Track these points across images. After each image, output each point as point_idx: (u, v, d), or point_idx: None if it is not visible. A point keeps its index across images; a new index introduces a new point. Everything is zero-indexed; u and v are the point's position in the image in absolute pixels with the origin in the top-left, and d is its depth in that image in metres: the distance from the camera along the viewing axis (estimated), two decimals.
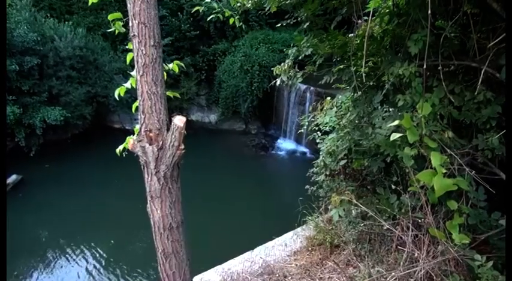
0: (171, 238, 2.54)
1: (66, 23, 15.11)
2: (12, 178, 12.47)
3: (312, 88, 14.16)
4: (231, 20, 3.79)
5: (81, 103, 14.62)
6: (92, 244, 10.46)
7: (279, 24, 4.49)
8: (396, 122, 2.97)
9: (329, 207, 5.96)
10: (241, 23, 3.73)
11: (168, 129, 2.38)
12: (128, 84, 2.76)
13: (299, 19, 4.25)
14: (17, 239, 10.57)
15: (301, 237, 5.86)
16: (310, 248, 5.54)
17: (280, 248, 5.71)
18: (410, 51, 3.40)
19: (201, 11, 3.75)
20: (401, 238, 3.36)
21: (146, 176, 2.44)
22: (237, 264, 5.45)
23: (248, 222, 10.67)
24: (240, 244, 8.30)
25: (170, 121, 2.39)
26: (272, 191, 12.93)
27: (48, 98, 14.05)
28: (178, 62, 2.86)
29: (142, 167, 2.44)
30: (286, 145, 15.74)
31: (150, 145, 2.34)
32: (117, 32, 2.86)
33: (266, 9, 4.40)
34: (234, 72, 15.90)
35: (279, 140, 16.11)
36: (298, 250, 5.62)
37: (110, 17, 2.70)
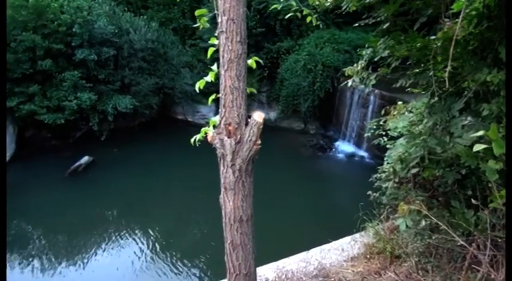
0: (240, 230, 2.59)
1: (141, 17, 16.00)
2: (84, 159, 13.48)
3: (376, 91, 13.69)
4: (308, 19, 3.76)
5: (149, 93, 15.40)
6: (151, 225, 11.02)
7: (356, 24, 4.38)
8: (480, 133, 2.77)
9: (390, 216, 5.76)
10: (318, 22, 3.69)
11: (246, 124, 2.42)
12: (208, 78, 2.85)
13: (378, 19, 4.10)
14: (82, 216, 11.48)
15: (360, 243, 5.70)
16: (368, 256, 5.38)
17: (337, 253, 5.61)
18: (502, 57, 3.15)
19: (278, 8, 3.76)
20: (475, 257, 3.14)
21: (222, 168, 2.50)
22: (291, 263, 5.45)
23: (303, 222, 10.62)
24: (294, 243, 8.28)
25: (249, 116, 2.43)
26: (328, 193, 12.74)
27: (120, 87, 15.00)
28: (256, 57, 2.90)
29: (218, 159, 2.51)
30: (344, 147, 15.41)
31: (228, 138, 2.40)
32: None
33: (343, 9, 4.31)
34: (296, 71, 15.84)
35: (337, 142, 15.81)
36: (355, 256, 5.48)
37: (197, 12, 2.80)
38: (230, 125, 2.39)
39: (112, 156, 14.36)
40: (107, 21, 14.28)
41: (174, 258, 9.85)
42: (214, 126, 2.71)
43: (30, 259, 9.73)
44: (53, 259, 9.74)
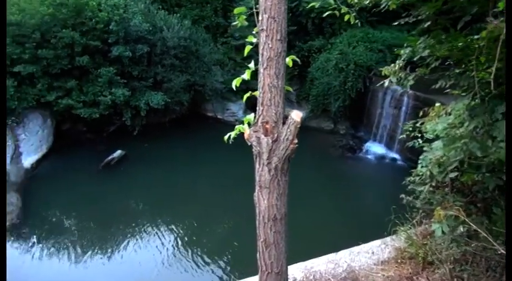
0: (273, 228, 2.58)
1: (175, 15, 16.26)
2: (117, 153, 13.87)
3: (410, 92, 13.33)
4: (346, 17, 3.71)
5: (180, 90, 15.64)
6: (178, 220, 11.21)
7: (396, 23, 4.26)
8: None
9: (424, 220, 5.60)
10: (356, 21, 3.63)
11: (284, 123, 2.41)
12: (244, 76, 2.85)
13: (418, 18, 3.98)
14: (113, 208, 11.82)
15: (390, 247, 5.58)
16: (399, 260, 5.25)
17: (366, 255, 5.51)
18: None
19: (316, 6, 3.72)
20: None
21: (257, 166, 2.50)
22: (320, 264, 5.40)
23: (332, 222, 10.52)
24: (322, 243, 8.22)
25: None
26: (358, 194, 12.54)
27: (153, 84, 15.31)
28: (293, 56, 2.88)
29: (254, 157, 2.51)
30: (375, 148, 15.10)
31: (265, 136, 2.40)
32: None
33: (381, 7, 4.20)
34: (327, 70, 15.65)
35: (368, 143, 15.51)
36: (385, 260, 5.37)
37: (236, 10, 2.81)
38: (267, 124, 2.39)
39: (143, 150, 14.70)
40: (142, 19, 14.60)
41: (200, 254, 9.97)
42: (249, 124, 2.72)
43: (63, 247, 10.11)
44: (84, 248, 10.09)
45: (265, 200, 2.53)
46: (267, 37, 2.28)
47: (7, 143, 13.01)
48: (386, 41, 15.55)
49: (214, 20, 17.81)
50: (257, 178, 2.55)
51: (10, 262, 9.46)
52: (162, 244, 10.30)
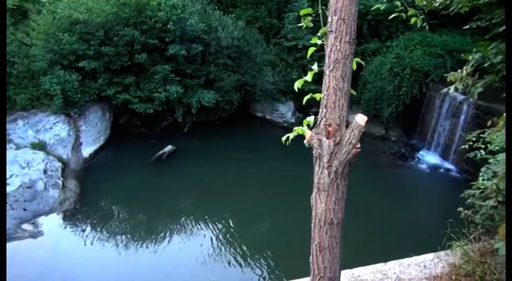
0: (329, 232, 2.55)
1: (230, 15, 16.53)
2: (168, 148, 14.38)
3: (471, 100, 12.58)
4: (412, 20, 3.56)
5: (231, 89, 15.88)
6: (223, 216, 11.41)
7: (467, 27, 4.05)
8: None
9: (483, 237, 5.26)
10: (424, 24, 3.48)
11: (347, 126, 2.37)
12: (307, 77, 2.84)
13: (492, 22, 3.76)
14: (162, 201, 12.25)
15: (444, 262, 5.30)
16: (453, 277, 4.98)
17: (417, 269, 5.28)
18: None
19: (381, 8, 3.62)
20: None
21: (317, 168, 2.48)
22: (367, 273, 5.25)
23: (380, 231, 10.21)
24: (371, 252, 8.01)
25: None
26: (408, 204, 12.04)
27: (205, 82, 15.68)
28: (358, 59, 2.82)
29: (314, 159, 2.50)
30: (429, 158, 14.42)
31: (327, 139, 2.37)
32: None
33: (451, 10, 4.01)
34: (382, 74, 15.19)
35: (421, 152, 14.85)
36: (438, 275, 5.11)
37: (302, 12, 2.80)
38: (330, 126, 2.36)
39: (192, 147, 15.11)
40: (198, 19, 14.99)
41: (243, 251, 10.07)
42: (308, 126, 2.70)
43: (112, 235, 10.63)
44: (131, 237, 10.54)
45: (322, 204, 2.51)
46: (336, 39, 2.25)
47: (69, 133, 13.93)
48: (446, 45, 14.80)
49: (268, 21, 17.90)
50: (315, 181, 2.53)
51: (63, 244, 10.17)
52: (206, 238, 10.52)
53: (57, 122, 13.96)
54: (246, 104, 17.63)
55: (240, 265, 9.69)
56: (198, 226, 11.11)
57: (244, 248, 10.16)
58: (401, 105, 14.90)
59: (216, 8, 17.06)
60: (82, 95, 14.19)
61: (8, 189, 10.87)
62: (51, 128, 13.78)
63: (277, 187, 12.69)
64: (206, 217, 11.43)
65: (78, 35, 13.80)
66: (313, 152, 2.49)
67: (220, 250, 10.16)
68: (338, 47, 2.26)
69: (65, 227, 10.85)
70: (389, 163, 14.25)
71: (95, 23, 13.84)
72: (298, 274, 5.69)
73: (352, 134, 2.32)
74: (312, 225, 2.65)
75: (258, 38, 17.10)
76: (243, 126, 16.76)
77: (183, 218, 11.44)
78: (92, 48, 13.87)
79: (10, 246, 9.63)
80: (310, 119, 2.71)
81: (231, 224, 11.15)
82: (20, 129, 13.57)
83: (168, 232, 10.81)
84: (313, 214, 2.60)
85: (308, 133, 2.48)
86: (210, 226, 11.07)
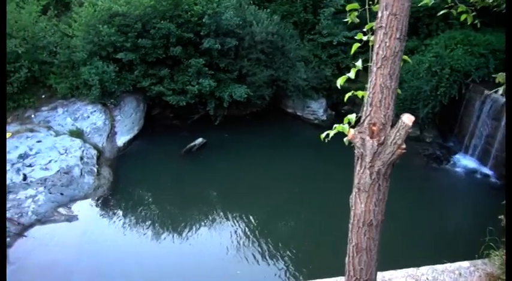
0: (368, 234, 2.49)
1: (265, 10, 16.46)
2: (198, 140, 14.56)
3: None
4: (462, 17, 3.42)
5: (263, 85, 15.85)
6: (250, 209, 11.47)
7: None
8: None
9: None
10: (476, 21, 3.32)
11: (392, 126, 2.30)
12: (350, 74, 2.77)
13: None
14: (191, 192, 12.44)
15: (481, 271, 5.10)
16: None
17: (452, 276, 5.10)
18: None
19: (429, 4, 3.47)
20: None
21: (358, 168, 2.42)
22: (398, 276, 5.13)
23: (412, 234, 9.97)
24: (403, 256, 7.82)
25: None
26: (442, 209, 11.64)
27: (237, 77, 15.73)
28: (406, 57, 2.72)
29: (356, 158, 2.44)
30: (465, 162, 13.87)
31: (371, 138, 2.31)
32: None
33: (503, 7, 3.80)
34: (419, 73, 14.69)
35: (457, 155, 14.30)
36: None
37: (349, 7, 2.74)
38: (375, 125, 2.29)
39: (223, 140, 15.23)
40: (233, 13, 15.01)
41: (269, 246, 10.08)
42: (350, 124, 2.64)
43: (142, 223, 10.90)
44: (160, 226, 10.78)
45: (362, 204, 2.45)
46: (385, 35, 2.17)
47: (105, 123, 14.37)
48: (490, 45, 14.13)
49: (303, 16, 17.68)
50: (356, 180, 2.47)
51: (96, 229, 10.52)
52: (233, 231, 10.62)
53: (94, 111, 14.44)
54: (278, 100, 17.56)
55: (265, 260, 9.71)
56: (226, 219, 11.22)
57: (270, 243, 10.18)
58: (438, 106, 14.38)
59: (251, 2, 17.02)
60: (118, 86, 14.58)
61: (47, 173, 11.36)
62: (89, 116, 14.26)
63: (306, 184, 12.60)
64: (233, 210, 11.51)
65: (116, 27, 14.16)
66: (355, 151, 2.43)
67: (246, 244, 10.21)
68: (387, 44, 2.18)
69: (98, 213, 11.23)
70: (423, 165, 13.82)
71: (133, 16, 14.15)
72: (323, 272, 5.64)
73: (398, 134, 2.24)
74: (350, 225, 2.60)
75: (292, 33, 16.95)
76: (274, 121, 16.72)
77: (211, 211, 11.59)
78: (129, 41, 14.20)
79: (47, 228, 10.10)
80: (352, 116, 2.65)
81: (258, 218, 11.19)
82: (59, 117, 14.13)
83: (195, 223, 10.98)
84: (352, 214, 2.54)
85: (350, 132, 2.42)
86: (237, 219, 11.15)
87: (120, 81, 14.70)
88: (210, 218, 11.30)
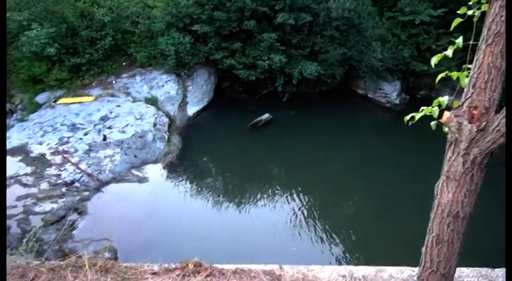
0: (452, 226, 2.32)
1: None
2: (265, 116, 14.63)
3: None
4: None
5: (335, 63, 15.37)
6: (311, 187, 11.37)
7: None
8: None
9: None
10: None
11: (496, 111, 2.07)
12: (448, 52, 2.53)
13: None
14: (253, 165, 12.60)
15: None
16: None
17: None
18: None
19: None
20: None
21: (450, 154, 2.24)
22: (470, 275, 4.77)
23: (489, 234, 9.23)
24: (474, 254, 7.31)
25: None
26: None
27: (309, 53, 15.38)
28: None
29: (448, 143, 2.25)
30: None
31: (469, 123, 2.10)
32: None
33: None
34: None
35: None
36: None
37: None
38: (476, 109, 2.08)
39: (289, 117, 15.16)
40: None
41: (326, 227, 9.95)
42: (440, 107, 2.44)
43: (205, 191, 11.29)
44: (221, 196, 11.09)
45: (449, 193, 2.27)
46: (501, 8, 1.92)
47: (178, 92, 14.97)
48: None
49: None
50: (445, 168, 2.29)
51: (163, 191, 11.13)
52: (293, 209, 10.62)
53: (169, 80, 15.08)
54: (348, 80, 16.97)
55: (322, 241, 9.63)
56: (285, 196, 11.25)
57: (329, 224, 10.06)
58: None
59: None
60: (192, 57, 15.02)
61: (124, 136, 12.17)
62: (163, 85, 14.94)
63: (373, 169, 12.20)
64: (294, 188, 11.50)
65: (194, 0, 14.46)
66: (448, 136, 2.24)
67: (304, 223, 10.19)
68: (503, 18, 1.93)
69: (166, 177, 11.85)
70: None
71: None
72: (381, 259, 5.43)
73: (503, 120, 2.01)
74: (432, 215, 2.44)
75: (370, 10, 16.09)
76: (342, 102, 16.24)
77: (271, 186, 11.69)
78: (205, 13, 14.44)
79: (121, 186, 10.90)
80: (444, 99, 2.44)
81: (318, 198, 11.08)
82: (137, 84, 14.97)
83: (255, 197, 11.16)
84: (436, 203, 2.38)
85: (446, 114, 2.23)
86: (297, 197, 11.13)
87: (194, 52, 15.10)
88: (270, 193, 11.41)
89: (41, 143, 11.53)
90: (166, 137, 13.04)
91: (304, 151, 13.26)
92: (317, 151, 13.24)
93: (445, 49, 2.61)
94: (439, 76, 2.80)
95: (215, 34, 15.00)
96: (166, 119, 13.76)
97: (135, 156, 11.74)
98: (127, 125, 12.63)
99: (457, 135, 2.15)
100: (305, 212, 10.51)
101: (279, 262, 4.81)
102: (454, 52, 2.59)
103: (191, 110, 15.05)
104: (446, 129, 2.33)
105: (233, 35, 15.16)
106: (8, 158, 10.79)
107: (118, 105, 13.59)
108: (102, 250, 8.33)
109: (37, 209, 9.27)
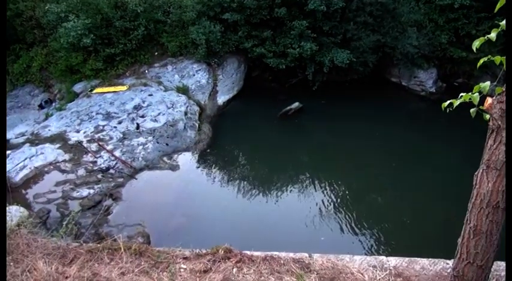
0: (491, 217, 2.22)
1: None
2: (295, 105, 14.51)
3: None
4: None
5: (368, 50, 14.96)
6: (339, 178, 11.21)
7: None
8: None
9: None
10: None
11: None
12: (492, 35, 2.39)
13: None
14: (282, 154, 12.59)
15: None
16: None
17: None
18: None
19: None
20: None
21: (491, 142, 2.14)
22: (502, 270, 4.61)
23: None
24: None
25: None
26: None
27: (341, 41, 15.04)
28: None
29: (489, 131, 2.14)
30: None
31: None
32: None
33: None
34: None
35: None
36: None
37: None
38: None
39: (319, 106, 14.96)
40: None
41: (354, 218, 9.81)
42: (480, 93, 2.32)
43: (233, 179, 11.38)
44: (249, 184, 11.14)
45: (489, 183, 2.17)
46: None
47: (208, 81, 15.10)
48: None
49: None
50: (486, 157, 2.19)
51: (194, 179, 11.32)
52: (321, 198, 10.54)
53: (200, 69, 15.22)
54: (381, 68, 16.49)
55: (351, 231, 9.53)
56: (314, 185, 11.18)
57: (359, 215, 9.91)
58: None
59: None
60: (222, 46, 15.06)
61: (156, 125, 12.45)
62: (194, 74, 15.10)
63: (405, 159, 11.90)
64: (323, 177, 11.40)
65: None
66: (490, 123, 2.14)
67: (333, 212, 10.10)
68: None
69: (197, 165, 12.06)
70: None
71: None
72: (415, 252, 5.31)
73: None
74: (470, 205, 2.35)
75: None
76: (375, 91, 15.84)
77: (301, 175, 11.63)
78: (235, 1, 14.39)
79: (154, 173, 11.19)
80: (486, 84, 2.32)
81: (348, 189, 10.93)
82: (168, 74, 15.22)
83: (284, 186, 11.14)
84: (474, 193, 2.29)
85: (488, 100, 2.12)
86: (326, 187, 11.04)
87: (225, 41, 15.13)
88: (299, 182, 11.37)
89: (78, 131, 12.00)
90: (197, 125, 13.22)
91: (334, 140, 13.10)
92: (348, 140, 13.04)
93: (486, 34, 2.48)
94: (481, 60, 2.66)
95: (245, 22, 14.93)
96: (197, 108, 13.94)
97: (167, 144, 11.99)
98: (159, 113, 12.90)
99: (499, 123, 2.05)
100: (335, 201, 10.42)
101: (307, 251, 4.81)
102: (497, 37, 2.45)
103: (221, 99, 15.16)
104: (487, 116, 2.23)
105: (263, 23, 15.04)
106: (48, 145, 11.31)
107: (150, 95, 13.88)
108: (136, 235, 8.66)
109: (75, 194, 9.69)
